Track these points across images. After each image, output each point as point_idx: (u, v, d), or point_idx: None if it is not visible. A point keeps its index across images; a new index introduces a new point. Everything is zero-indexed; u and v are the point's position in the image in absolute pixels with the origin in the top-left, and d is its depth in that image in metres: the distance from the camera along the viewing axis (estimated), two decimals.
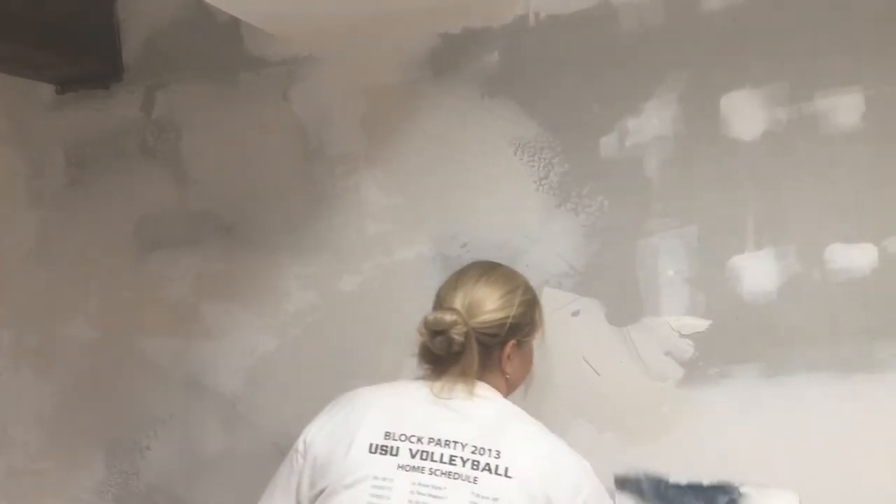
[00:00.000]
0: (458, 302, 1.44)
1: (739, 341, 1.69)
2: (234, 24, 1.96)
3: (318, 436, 1.41)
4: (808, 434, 1.66)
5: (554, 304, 1.79)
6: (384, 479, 1.31)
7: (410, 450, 1.33)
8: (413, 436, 1.34)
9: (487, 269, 1.52)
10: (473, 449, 1.32)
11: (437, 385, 1.41)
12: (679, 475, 1.72)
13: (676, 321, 1.73)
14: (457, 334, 1.39)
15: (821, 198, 1.65)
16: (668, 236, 1.73)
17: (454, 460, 1.31)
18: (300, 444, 1.43)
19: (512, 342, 1.46)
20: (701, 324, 1.71)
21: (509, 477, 1.29)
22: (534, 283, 1.78)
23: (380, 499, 1.29)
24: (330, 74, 1.94)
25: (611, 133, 1.76)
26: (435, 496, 1.29)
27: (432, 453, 1.32)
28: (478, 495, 1.28)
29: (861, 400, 1.63)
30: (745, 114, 1.69)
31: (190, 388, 2.04)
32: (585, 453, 1.74)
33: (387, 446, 1.34)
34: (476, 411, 1.38)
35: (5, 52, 1.85)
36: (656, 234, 1.73)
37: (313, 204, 1.96)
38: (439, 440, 1.33)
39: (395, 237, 1.91)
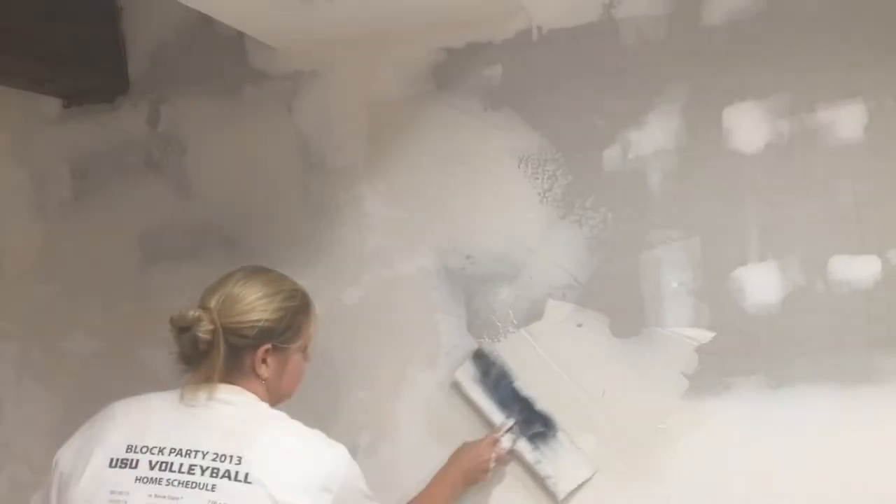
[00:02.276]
0: (214, 301, 1.42)
1: (743, 353, 1.69)
2: (239, 38, 1.97)
3: (67, 452, 1.41)
4: (811, 445, 1.66)
5: (558, 316, 1.79)
6: (120, 492, 1.31)
7: (150, 461, 1.33)
8: (155, 447, 1.34)
9: (253, 272, 1.51)
10: (214, 456, 1.31)
11: (186, 390, 1.40)
12: (683, 486, 1.72)
13: (680, 333, 1.72)
14: (202, 332, 1.38)
15: (824, 209, 1.65)
16: (672, 248, 1.73)
17: (193, 469, 1.31)
18: (53, 461, 1.42)
19: (266, 346, 1.44)
20: (705, 335, 1.71)
21: (249, 483, 1.29)
22: (538, 295, 1.80)
23: None
24: (333, 88, 1.95)
25: (614, 145, 1.76)
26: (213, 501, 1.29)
27: (171, 464, 1.32)
28: (215, 503, 1.29)
29: (864, 412, 1.63)
30: (747, 126, 1.70)
31: None
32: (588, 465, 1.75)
33: (127, 459, 1.34)
34: (219, 416, 1.37)
35: (11, 66, 1.86)
36: (659, 246, 1.74)
37: (315, 216, 1.97)
38: (180, 450, 1.33)
39: (397, 250, 1.91)
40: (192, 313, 1.39)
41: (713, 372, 1.71)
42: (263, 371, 1.44)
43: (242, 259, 1.98)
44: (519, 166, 1.83)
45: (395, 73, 1.91)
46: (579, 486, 1.75)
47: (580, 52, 1.78)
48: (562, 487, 1.76)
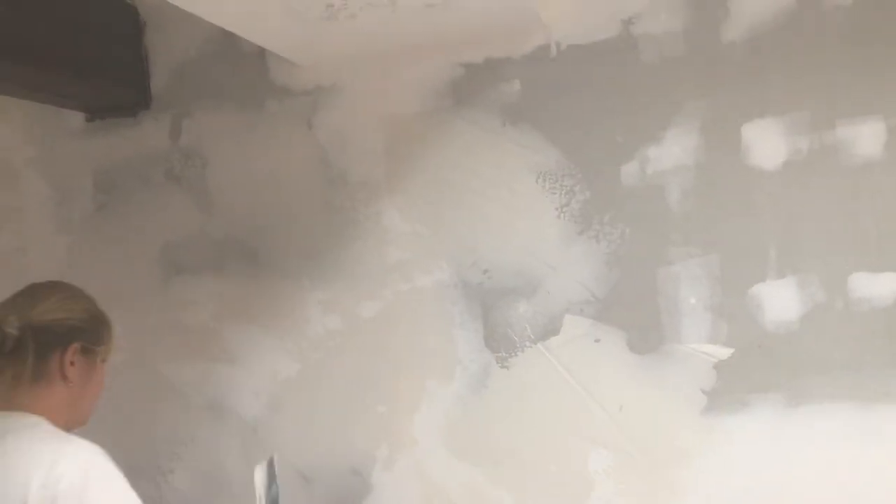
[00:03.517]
0: (16, 302, 1.37)
1: (762, 370, 1.69)
2: (260, 54, 1.99)
3: None
4: (831, 464, 1.65)
5: (575, 332, 1.79)
6: None
7: None
8: None
9: (53, 282, 1.47)
10: None
11: None
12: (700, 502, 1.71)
13: (698, 349, 1.72)
14: (11, 328, 1.32)
15: (843, 226, 1.65)
16: (690, 264, 1.73)
17: None
18: None
19: (75, 346, 1.38)
20: (723, 352, 1.71)
21: None
22: (555, 310, 1.81)
23: None
24: (353, 103, 1.97)
25: (632, 161, 1.77)
26: None
27: None
28: None
29: (884, 430, 1.62)
30: (767, 142, 1.70)
31: (212, 412, 2.06)
32: (603, 482, 1.75)
33: None
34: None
35: (36, 81, 1.89)
36: (678, 263, 1.74)
37: (335, 230, 1.98)
38: None
39: (416, 264, 1.92)
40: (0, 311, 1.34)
41: (731, 389, 1.70)
42: (72, 373, 1.38)
43: (263, 271, 2.02)
44: (537, 181, 1.84)
45: (414, 88, 1.92)
46: None
47: (599, 68, 1.79)
48: None
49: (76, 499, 1.22)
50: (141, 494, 2.09)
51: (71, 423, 1.41)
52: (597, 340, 1.79)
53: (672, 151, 1.74)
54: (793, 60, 1.69)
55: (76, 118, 2.17)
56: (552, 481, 1.81)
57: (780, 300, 1.68)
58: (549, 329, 1.83)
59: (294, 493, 1.97)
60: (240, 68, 2.04)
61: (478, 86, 1.88)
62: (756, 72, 1.70)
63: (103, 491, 1.27)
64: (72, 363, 1.38)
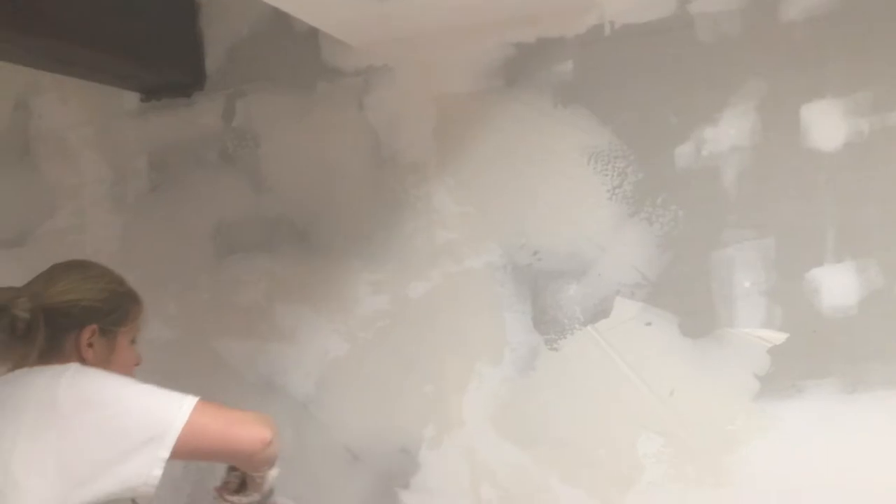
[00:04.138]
0: (33, 285, 1.36)
1: (817, 356, 1.66)
2: (313, 34, 2.00)
3: None
4: (886, 452, 1.62)
5: (626, 315, 1.78)
6: None
7: None
8: None
9: (76, 262, 1.44)
10: None
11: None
12: (751, 490, 1.69)
13: (752, 333, 1.70)
14: (21, 311, 1.29)
15: None
16: (745, 248, 1.70)
17: None
18: None
19: (92, 327, 1.36)
20: (777, 337, 1.68)
21: None
22: (605, 292, 1.80)
23: None
24: (404, 84, 1.97)
25: (687, 142, 1.74)
26: None
27: None
28: None
29: None
30: (826, 124, 1.66)
31: (263, 390, 2.09)
32: (653, 466, 1.75)
33: None
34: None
35: (93, 62, 1.93)
36: (732, 246, 1.71)
37: (385, 211, 1.99)
38: None
39: (465, 245, 1.92)
40: (8, 291, 1.31)
41: (785, 374, 1.68)
42: (90, 355, 1.36)
43: (314, 252, 2.04)
44: (588, 163, 1.82)
45: (465, 68, 1.92)
46: None
47: (653, 48, 1.77)
48: None
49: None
50: (195, 467, 2.15)
51: None
52: (648, 324, 1.78)
53: (728, 133, 1.71)
54: (854, 40, 1.65)
55: (132, 99, 2.20)
56: (600, 464, 1.81)
57: (837, 285, 1.65)
58: (599, 312, 1.82)
59: (342, 471, 2.00)
60: (292, 49, 2.05)
61: (530, 66, 1.86)
62: (815, 52, 1.67)
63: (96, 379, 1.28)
64: (89, 345, 1.36)
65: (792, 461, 1.68)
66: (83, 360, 1.34)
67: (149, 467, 1.24)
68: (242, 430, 1.33)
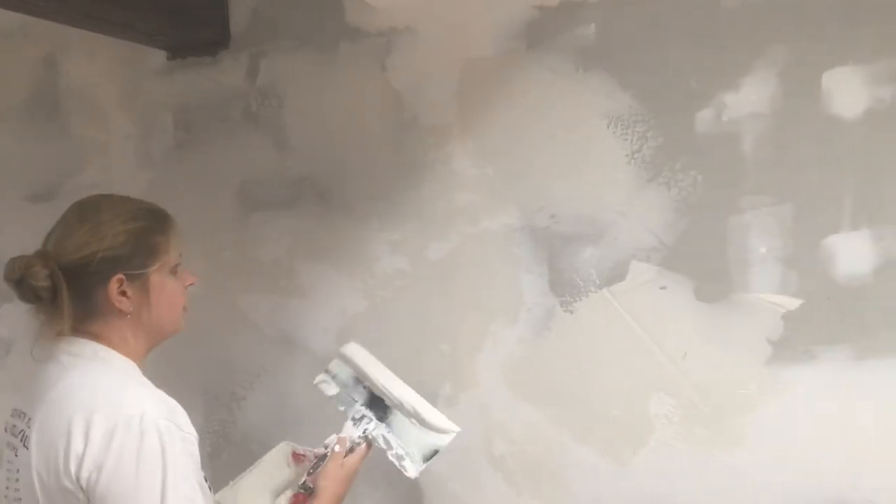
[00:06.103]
0: (47, 242, 1.28)
1: (830, 322, 1.67)
2: None
3: None
4: (894, 417, 1.64)
5: (641, 278, 1.80)
6: None
7: (15, 426, 1.28)
8: (17, 410, 1.29)
9: (91, 200, 1.34)
10: (29, 419, 1.23)
11: (35, 344, 1.28)
12: (761, 453, 1.72)
13: (767, 299, 1.71)
14: (37, 280, 1.23)
15: None
16: (762, 213, 1.71)
17: (18, 433, 1.26)
18: None
19: (117, 277, 1.27)
20: (792, 303, 1.69)
21: (27, 448, 1.22)
22: (621, 256, 1.81)
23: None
24: (426, 46, 1.98)
25: (707, 108, 1.74)
26: (9, 470, 1.27)
27: (14, 426, 1.28)
28: (9, 470, 1.26)
29: None
30: (847, 91, 1.65)
31: (283, 345, 2.14)
32: (664, 426, 1.77)
33: (7, 424, 1.31)
34: (49, 372, 1.26)
35: (121, 19, 1.96)
36: (749, 211, 1.72)
37: (405, 172, 2.01)
38: (21, 412, 1.27)
39: (484, 207, 1.94)
40: (20, 261, 1.24)
41: (799, 340, 1.69)
42: (125, 305, 1.28)
43: (335, 211, 2.06)
44: (608, 127, 1.83)
45: (487, 31, 1.92)
46: (432, 457, 1.62)
47: (676, 12, 1.76)
48: (409, 467, 1.61)
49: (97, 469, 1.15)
50: (216, 418, 2.21)
51: (152, 341, 1.36)
52: (663, 287, 1.79)
53: (749, 98, 1.71)
54: (877, 7, 1.63)
55: (158, 57, 2.23)
56: (612, 423, 1.84)
57: (853, 252, 1.65)
58: (615, 275, 1.83)
59: None
60: (316, 9, 2.07)
61: (552, 29, 1.86)
62: (839, 18, 1.65)
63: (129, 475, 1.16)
64: (122, 294, 1.28)
65: (802, 425, 1.70)
66: (121, 314, 1.29)
67: None
68: None
